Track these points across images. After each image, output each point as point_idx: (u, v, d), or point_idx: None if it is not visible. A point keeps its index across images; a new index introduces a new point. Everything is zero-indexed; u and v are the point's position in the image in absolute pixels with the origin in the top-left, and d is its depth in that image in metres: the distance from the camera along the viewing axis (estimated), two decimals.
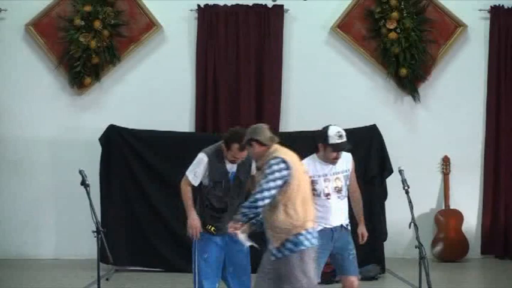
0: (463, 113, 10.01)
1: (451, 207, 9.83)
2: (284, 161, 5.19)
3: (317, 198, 5.74)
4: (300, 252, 5.14)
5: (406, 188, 5.85)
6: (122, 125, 9.14)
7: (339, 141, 5.80)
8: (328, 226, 5.80)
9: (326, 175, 5.81)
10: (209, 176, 6.09)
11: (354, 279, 5.91)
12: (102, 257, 5.87)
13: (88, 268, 8.11)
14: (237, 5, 9.82)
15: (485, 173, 10.02)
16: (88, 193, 5.79)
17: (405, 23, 9.72)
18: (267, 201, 5.09)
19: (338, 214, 5.86)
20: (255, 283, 5.33)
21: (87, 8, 9.56)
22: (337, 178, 5.83)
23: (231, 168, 6.10)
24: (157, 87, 9.85)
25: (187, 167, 8.55)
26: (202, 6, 9.78)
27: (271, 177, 5.12)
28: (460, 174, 9.93)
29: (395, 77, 9.86)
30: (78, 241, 9.28)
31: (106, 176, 8.96)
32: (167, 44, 9.89)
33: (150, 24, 9.76)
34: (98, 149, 9.00)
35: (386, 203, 9.00)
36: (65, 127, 9.80)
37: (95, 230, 5.70)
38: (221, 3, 9.80)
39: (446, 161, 9.95)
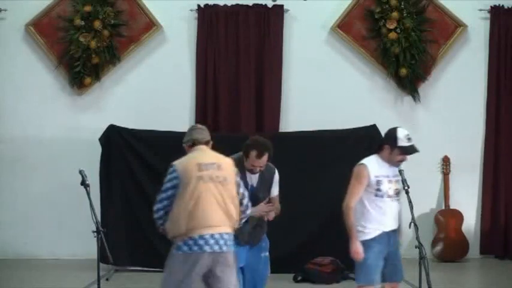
0: (463, 113, 10.01)
1: (451, 207, 9.83)
2: (173, 167, 5.25)
3: (379, 199, 5.72)
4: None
5: (406, 188, 5.85)
6: (122, 125, 9.14)
7: (408, 144, 5.76)
8: (385, 230, 5.76)
9: (389, 176, 5.76)
10: None
11: (397, 285, 5.89)
12: (102, 257, 5.88)
13: (88, 268, 8.10)
14: (237, 5, 9.82)
15: (485, 173, 10.02)
16: (88, 193, 5.79)
17: (405, 23, 9.72)
18: (160, 213, 5.09)
19: (395, 218, 5.83)
20: None
21: (87, 8, 9.56)
22: (397, 180, 5.79)
23: (251, 180, 5.97)
24: (157, 87, 9.85)
25: None
26: (202, 6, 9.78)
27: (163, 187, 5.16)
28: (460, 174, 9.93)
29: (395, 77, 9.86)
30: (78, 241, 9.27)
31: (106, 176, 8.97)
32: (167, 44, 9.89)
33: (150, 24, 9.76)
34: (98, 149, 9.00)
35: None
36: (65, 127, 9.80)
37: (95, 230, 5.70)
38: (221, 3, 9.80)
39: (446, 161, 9.95)
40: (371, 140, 9.02)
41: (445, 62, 10.02)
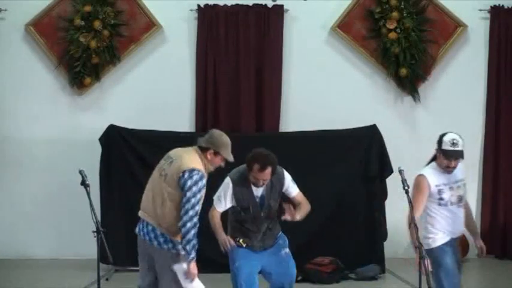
0: (463, 113, 10.01)
1: None
2: None
3: (444, 207, 5.76)
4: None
5: (406, 188, 5.84)
6: (122, 125, 9.14)
7: (451, 148, 5.74)
8: (454, 236, 5.79)
9: (449, 183, 5.77)
10: (236, 201, 5.97)
11: None
12: (102, 257, 5.88)
13: (88, 268, 8.11)
14: (237, 5, 9.82)
15: (484, 173, 10.02)
16: (88, 193, 5.79)
17: (405, 23, 9.72)
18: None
19: (460, 223, 5.85)
20: None
21: (87, 8, 9.56)
22: (458, 187, 5.78)
23: (258, 192, 5.94)
24: (157, 87, 9.85)
25: None
26: (202, 6, 9.79)
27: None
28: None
29: (395, 77, 9.86)
30: (78, 241, 9.27)
31: (106, 176, 8.97)
32: (167, 44, 9.89)
33: (150, 24, 9.76)
34: (98, 149, 9.00)
35: (386, 203, 9.01)
36: (65, 127, 9.81)
37: (95, 230, 5.70)
38: (221, 3, 9.80)
39: None
40: (371, 140, 9.06)
41: (445, 62, 10.03)
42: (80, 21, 9.57)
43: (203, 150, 5.51)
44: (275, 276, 6.07)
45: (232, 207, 6.05)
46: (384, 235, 8.97)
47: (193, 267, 5.37)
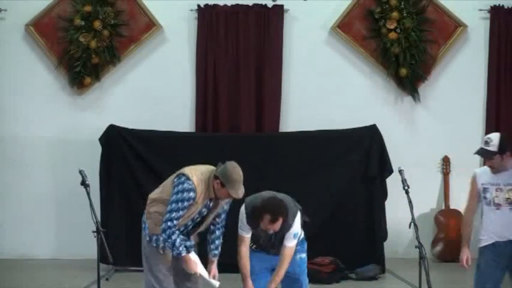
0: (463, 113, 10.01)
1: (451, 207, 9.83)
2: None
3: (487, 207, 5.72)
4: None
5: (406, 188, 5.84)
6: (122, 125, 9.14)
7: (481, 146, 5.76)
8: (500, 240, 5.70)
9: (499, 184, 5.69)
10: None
11: None
12: (102, 257, 5.87)
13: (88, 268, 8.10)
14: (237, 5, 9.82)
15: None
16: (88, 193, 5.78)
17: (405, 23, 9.72)
18: None
19: (508, 227, 5.71)
20: None
21: (87, 8, 9.56)
22: (510, 189, 5.67)
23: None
24: (157, 87, 9.85)
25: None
26: (202, 6, 9.78)
27: None
28: (460, 174, 9.90)
29: (395, 77, 9.86)
30: (78, 241, 9.26)
31: (106, 176, 8.96)
32: (167, 44, 9.89)
33: (150, 24, 9.76)
34: (98, 149, 9.00)
35: (386, 203, 9.00)
36: (65, 127, 9.80)
37: (95, 230, 5.70)
38: (221, 3, 9.80)
39: (446, 161, 9.95)
40: (371, 140, 9.05)
41: (445, 62, 10.02)
42: (80, 21, 9.56)
43: (215, 176, 5.54)
44: (286, 280, 6.03)
45: None
46: (384, 235, 8.97)
47: (185, 261, 5.60)
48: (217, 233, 5.88)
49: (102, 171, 8.94)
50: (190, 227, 5.75)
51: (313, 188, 8.82)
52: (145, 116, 9.61)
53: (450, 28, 9.94)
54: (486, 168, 5.84)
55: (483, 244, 5.73)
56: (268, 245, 5.87)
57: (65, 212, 9.67)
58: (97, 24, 9.54)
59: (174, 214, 5.46)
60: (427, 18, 9.87)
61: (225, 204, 5.77)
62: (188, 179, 5.49)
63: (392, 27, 9.73)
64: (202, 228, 5.81)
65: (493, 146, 5.73)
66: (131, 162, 9.03)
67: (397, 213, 8.50)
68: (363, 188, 9.02)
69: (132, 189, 9.03)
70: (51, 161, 9.78)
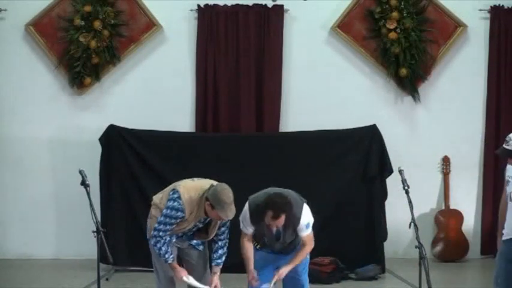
0: (463, 113, 10.01)
1: (451, 207, 9.83)
2: None
3: (508, 202, 5.59)
4: None
5: (406, 188, 5.83)
6: (122, 125, 9.14)
7: (502, 145, 5.62)
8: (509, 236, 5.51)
9: None
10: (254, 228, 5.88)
11: None
12: (102, 257, 5.87)
13: (88, 268, 8.11)
14: (237, 5, 9.81)
15: (485, 173, 10.02)
16: (88, 193, 5.78)
17: (405, 23, 9.72)
18: None
19: None
20: None
21: (87, 8, 9.55)
22: None
23: (275, 229, 5.78)
24: (157, 87, 9.85)
25: (188, 167, 8.61)
26: (202, 6, 9.78)
27: None
28: (460, 174, 9.93)
29: (395, 77, 9.86)
30: (78, 241, 9.27)
31: (106, 176, 8.96)
32: (167, 44, 9.88)
33: (150, 24, 9.76)
34: (98, 149, 9.00)
35: (386, 203, 9.00)
36: (65, 127, 9.80)
37: (95, 230, 5.70)
38: (221, 3, 9.80)
39: (446, 161, 9.95)
40: (371, 140, 9.05)
41: (445, 62, 10.02)
42: (80, 21, 9.56)
43: (206, 198, 5.64)
44: (287, 280, 6.03)
45: None
46: (384, 235, 8.97)
47: (172, 268, 5.80)
48: (220, 243, 5.93)
49: (102, 171, 8.94)
50: (193, 231, 5.88)
51: (313, 188, 8.80)
52: (145, 116, 9.61)
53: (450, 28, 9.93)
54: None
55: (503, 238, 5.62)
56: (276, 244, 5.87)
57: (65, 212, 9.67)
58: (97, 24, 9.54)
59: (162, 226, 5.69)
60: (427, 18, 9.87)
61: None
62: (179, 198, 5.64)
63: (392, 27, 9.73)
64: (210, 236, 5.91)
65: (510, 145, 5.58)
66: (131, 162, 9.03)
67: (397, 213, 8.51)
68: (363, 188, 9.02)
69: (132, 189, 9.03)
70: (51, 161, 9.78)
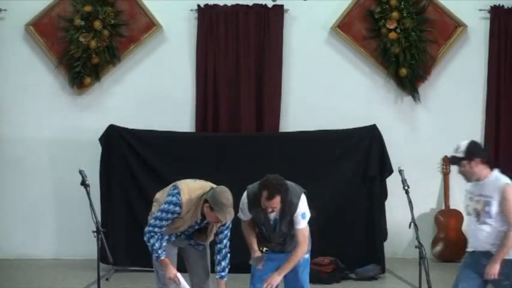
0: (463, 113, 10.01)
1: (451, 207, 9.83)
2: None
3: (467, 217, 5.69)
4: None
5: (406, 188, 5.84)
6: (122, 125, 9.14)
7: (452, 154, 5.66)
8: (471, 249, 5.59)
9: (473, 193, 5.57)
10: (252, 217, 5.88)
11: None
12: (102, 257, 5.88)
13: (88, 268, 8.11)
14: (237, 5, 9.82)
15: None
16: (88, 193, 5.78)
17: (405, 23, 9.72)
18: None
19: (477, 238, 5.56)
20: None
21: (87, 8, 9.56)
22: (478, 200, 5.52)
23: (272, 214, 5.77)
24: (157, 87, 9.85)
25: (188, 167, 8.61)
26: (202, 6, 9.78)
27: None
28: (460, 174, 9.91)
29: (395, 77, 9.86)
30: (78, 241, 9.27)
31: (106, 176, 8.97)
32: (167, 44, 9.89)
33: (150, 24, 9.76)
34: (98, 149, 9.00)
35: (386, 203, 9.01)
36: (65, 127, 9.80)
37: (95, 230, 5.70)
38: (221, 3, 9.80)
39: (446, 161, 9.94)
40: (371, 140, 9.06)
41: (445, 62, 10.02)
42: (80, 21, 9.56)
43: (205, 200, 5.63)
44: (287, 280, 6.03)
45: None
46: (384, 235, 8.97)
47: (162, 265, 5.75)
48: (223, 252, 5.87)
49: (102, 171, 8.94)
50: (190, 232, 5.87)
51: (313, 188, 8.73)
52: (145, 116, 9.61)
53: (450, 28, 9.94)
54: None
55: (468, 250, 5.66)
56: (273, 235, 5.86)
57: (65, 212, 9.67)
58: (97, 24, 9.54)
59: (157, 222, 5.68)
60: (427, 18, 9.87)
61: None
62: (179, 193, 5.64)
63: (392, 27, 9.74)
64: (208, 239, 5.91)
65: (461, 153, 5.61)
66: (131, 162, 9.03)
67: (397, 213, 8.51)
68: (363, 188, 9.02)
69: (132, 189, 9.03)
70: (51, 161, 9.79)
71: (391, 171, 8.83)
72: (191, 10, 9.82)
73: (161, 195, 5.84)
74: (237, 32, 9.78)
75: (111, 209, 8.92)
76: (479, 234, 5.51)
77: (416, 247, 5.67)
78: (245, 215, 5.88)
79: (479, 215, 5.51)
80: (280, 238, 5.90)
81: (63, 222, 9.74)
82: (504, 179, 5.55)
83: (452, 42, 9.95)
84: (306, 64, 9.91)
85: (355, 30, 9.89)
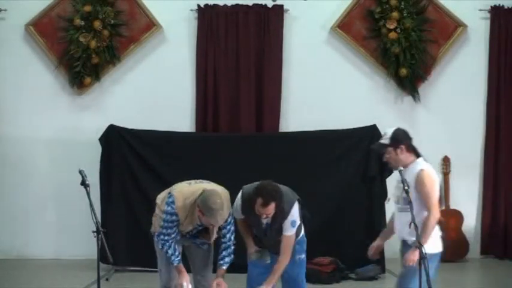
0: (463, 113, 10.01)
1: (451, 207, 9.83)
2: None
3: (394, 205, 5.68)
4: None
5: (406, 188, 5.83)
6: (122, 125, 9.14)
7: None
8: (402, 238, 5.70)
9: (398, 181, 5.58)
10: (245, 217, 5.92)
11: None
12: (102, 257, 5.86)
13: (88, 268, 8.11)
14: (237, 5, 9.82)
15: (485, 173, 10.02)
16: (88, 193, 5.77)
17: (405, 23, 9.72)
18: None
19: (398, 225, 5.67)
20: None
21: (87, 8, 9.56)
22: (397, 187, 5.58)
23: (265, 220, 5.76)
24: (157, 87, 9.85)
25: (188, 167, 8.62)
26: (202, 6, 9.78)
27: None
28: (460, 174, 9.93)
29: (395, 77, 9.86)
30: (78, 241, 9.27)
31: (106, 176, 8.97)
32: (167, 44, 9.89)
33: (150, 24, 9.76)
34: (98, 149, 9.01)
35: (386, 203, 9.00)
36: (65, 127, 9.80)
37: (95, 230, 5.69)
38: (221, 3, 9.80)
39: (446, 161, 9.95)
40: (371, 140, 9.02)
41: (445, 62, 10.03)
42: (80, 21, 9.57)
43: (198, 205, 5.66)
44: (284, 280, 6.03)
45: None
46: None
47: (178, 272, 5.84)
48: (226, 245, 5.92)
49: (102, 171, 8.95)
50: (195, 231, 5.91)
51: (313, 188, 8.82)
52: (145, 116, 9.61)
53: (450, 28, 9.94)
54: None
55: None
56: (264, 238, 5.88)
57: (65, 212, 9.67)
58: (97, 24, 9.54)
59: (164, 230, 5.80)
60: (427, 18, 9.87)
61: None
62: (173, 202, 5.71)
63: (392, 27, 9.74)
64: (211, 238, 5.92)
65: (387, 139, 5.59)
66: (131, 162, 9.04)
67: None
68: (363, 188, 9.02)
69: (132, 189, 9.04)
70: (51, 161, 9.79)
71: (391, 171, 8.80)
72: (191, 10, 9.82)
73: (161, 201, 5.89)
74: (237, 32, 9.78)
75: (111, 209, 8.92)
76: (402, 223, 5.59)
77: (416, 247, 5.67)
78: (238, 215, 5.90)
79: (398, 202, 5.57)
80: (271, 241, 5.90)
81: (63, 222, 9.74)
82: (423, 165, 5.62)
83: (452, 42, 9.95)
84: (306, 64, 9.91)
85: (355, 30, 9.89)
